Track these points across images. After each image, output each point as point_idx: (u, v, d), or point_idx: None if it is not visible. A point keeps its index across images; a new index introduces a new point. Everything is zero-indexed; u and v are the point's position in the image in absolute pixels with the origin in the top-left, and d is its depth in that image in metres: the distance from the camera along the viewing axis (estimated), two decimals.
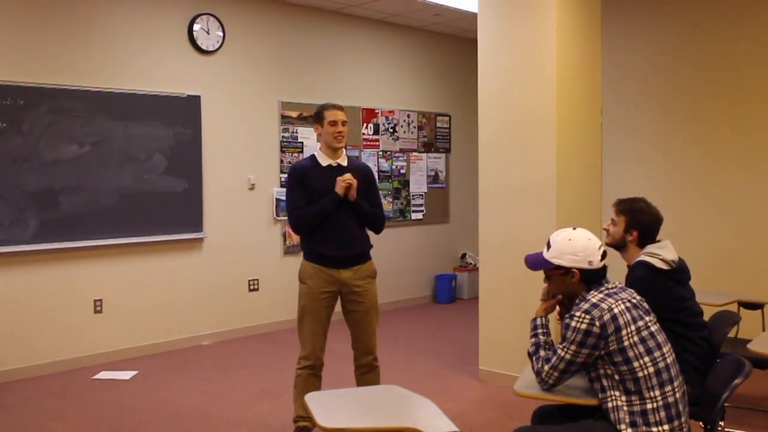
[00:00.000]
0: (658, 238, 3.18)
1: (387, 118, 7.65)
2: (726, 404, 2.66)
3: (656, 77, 6.02)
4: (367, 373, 3.85)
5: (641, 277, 3.01)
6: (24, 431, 4.14)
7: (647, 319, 2.42)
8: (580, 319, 2.37)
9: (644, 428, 2.30)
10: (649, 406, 2.31)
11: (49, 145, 5.26)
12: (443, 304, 8.03)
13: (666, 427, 2.30)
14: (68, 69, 5.40)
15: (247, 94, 6.50)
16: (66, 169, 5.34)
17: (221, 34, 6.25)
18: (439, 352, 5.84)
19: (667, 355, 2.38)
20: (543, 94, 4.65)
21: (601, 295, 2.43)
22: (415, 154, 7.97)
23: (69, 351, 5.44)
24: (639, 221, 3.15)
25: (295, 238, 6.49)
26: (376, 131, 7.55)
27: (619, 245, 3.20)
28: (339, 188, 3.64)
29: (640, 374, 2.32)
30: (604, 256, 2.50)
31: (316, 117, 3.79)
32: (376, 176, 7.40)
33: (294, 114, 6.83)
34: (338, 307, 3.82)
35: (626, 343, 2.33)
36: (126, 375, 5.25)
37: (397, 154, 7.78)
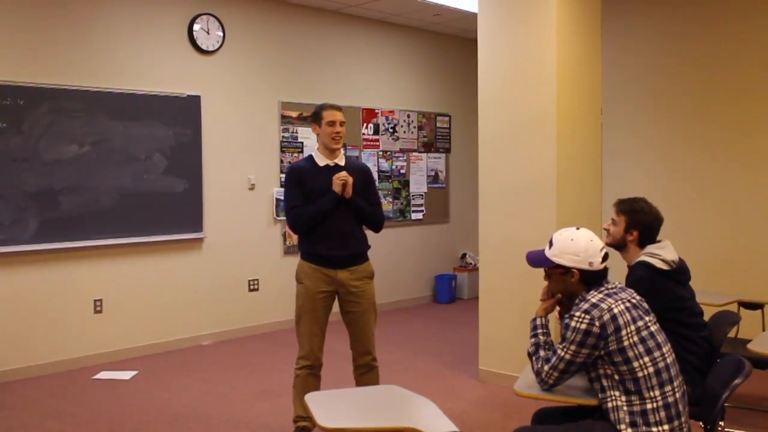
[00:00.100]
0: (658, 239, 3.18)
1: (387, 118, 7.65)
2: (726, 404, 2.66)
3: (656, 77, 6.02)
4: (365, 373, 3.85)
5: (641, 278, 3.01)
6: (24, 431, 4.14)
7: (647, 319, 2.42)
8: (580, 319, 2.37)
9: (644, 428, 2.30)
10: (649, 406, 2.31)
11: (49, 145, 5.26)
12: (443, 304, 8.03)
13: (666, 427, 2.30)
14: (68, 69, 5.40)
15: (247, 94, 6.50)
16: (66, 169, 5.34)
17: (221, 34, 6.25)
18: (439, 352, 5.84)
19: (666, 355, 2.38)
20: (543, 94, 4.65)
21: (600, 295, 2.42)
22: (415, 154, 7.97)
23: (69, 351, 5.45)
24: (639, 221, 3.15)
25: (295, 238, 6.48)
26: (376, 131, 7.55)
27: (620, 245, 3.20)
28: (336, 186, 3.64)
29: (640, 374, 2.32)
30: (605, 258, 2.50)
31: (313, 117, 3.78)
32: (376, 176, 7.46)
33: (294, 114, 6.83)
34: (337, 307, 3.82)
35: (626, 343, 2.33)
36: (126, 375, 5.25)
37: (397, 154, 7.78)
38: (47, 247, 5.27)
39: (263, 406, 4.52)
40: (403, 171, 7.85)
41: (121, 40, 5.69)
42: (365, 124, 7.44)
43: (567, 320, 2.41)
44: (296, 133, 6.86)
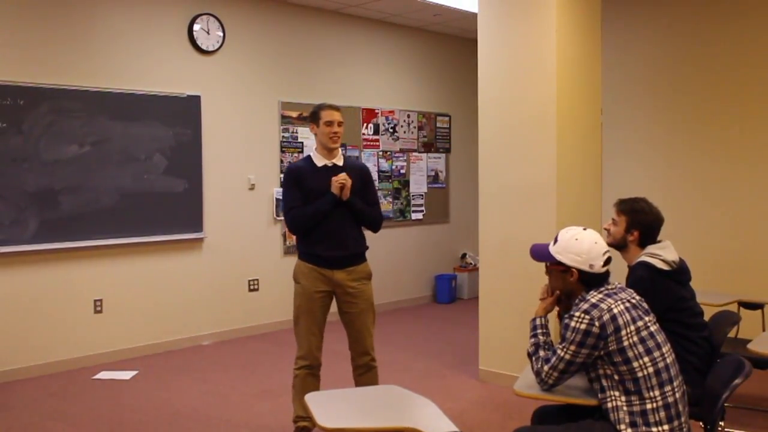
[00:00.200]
0: (658, 239, 3.18)
1: (387, 118, 7.65)
2: (726, 404, 2.66)
3: (656, 77, 6.02)
4: (364, 373, 3.84)
5: (642, 278, 3.01)
6: (24, 431, 4.14)
7: (647, 319, 2.42)
8: (580, 319, 2.37)
9: (644, 428, 2.30)
10: (648, 406, 2.31)
11: (49, 145, 5.26)
12: (443, 304, 8.03)
13: (666, 427, 2.30)
14: (68, 69, 5.40)
15: (247, 94, 6.50)
16: (66, 169, 5.34)
17: (221, 34, 6.25)
18: (439, 352, 5.84)
19: (666, 355, 2.38)
20: (543, 94, 4.65)
21: (600, 296, 2.42)
22: (415, 154, 7.97)
23: (69, 351, 5.45)
24: (640, 221, 3.15)
25: (295, 238, 6.50)
26: (376, 131, 7.55)
27: (620, 245, 3.20)
28: (334, 188, 3.64)
29: (640, 374, 2.32)
30: (607, 262, 2.49)
31: (312, 117, 3.78)
32: (376, 176, 7.47)
33: (294, 114, 6.83)
34: (335, 307, 3.82)
35: (626, 343, 2.33)
36: (126, 375, 5.25)
37: (397, 154, 7.78)
38: (47, 247, 5.27)
39: (263, 406, 4.52)
40: (403, 171, 7.85)
41: (121, 40, 5.69)
42: (365, 124, 7.44)
43: (567, 320, 2.41)
44: (296, 133, 6.86)
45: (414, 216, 7.98)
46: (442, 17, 7.40)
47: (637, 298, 2.51)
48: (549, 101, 4.62)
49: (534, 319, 2.67)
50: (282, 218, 6.62)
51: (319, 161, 3.77)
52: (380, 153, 7.60)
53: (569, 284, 2.52)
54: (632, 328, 2.35)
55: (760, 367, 3.56)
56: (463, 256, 8.46)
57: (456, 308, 7.81)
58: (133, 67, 5.75)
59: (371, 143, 7.50)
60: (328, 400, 2.66)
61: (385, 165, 7.65)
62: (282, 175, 6.65)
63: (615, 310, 2.36)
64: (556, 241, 2.56)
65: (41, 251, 5.27)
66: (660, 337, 2.41)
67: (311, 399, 2.62)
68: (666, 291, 3.03)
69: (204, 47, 6.15)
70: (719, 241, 5.64)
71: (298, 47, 6.85)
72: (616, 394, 2.36)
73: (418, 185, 8.02)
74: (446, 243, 8.35)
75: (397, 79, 7.79)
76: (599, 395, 2.42)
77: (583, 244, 2.48)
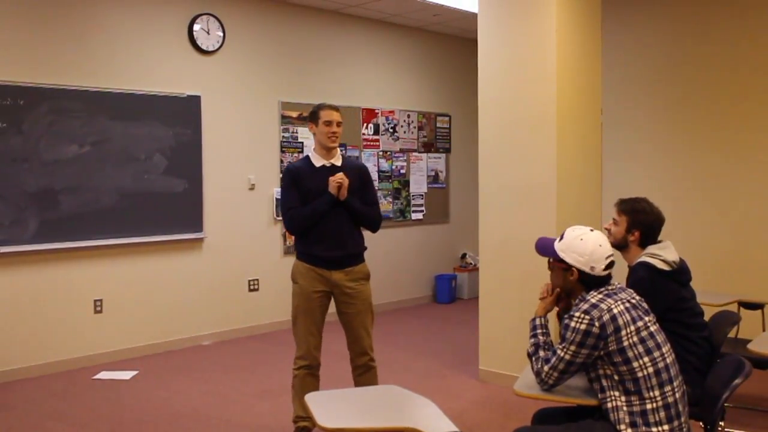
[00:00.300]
0: (659, 239, 3.18)
1: (387, 118, 7.65)
2: (726, 404, 2.66)
3: (656, 77, 6.02)
4: (364, 373, 3.84)
5: (642, 278, 3.01)
6: (24, 431, 4.14)
7: (647, 319, 2.42)
8: (580, 320, 2.37)
9: (644, 428, 2.30)
10: (648, 406, 2.31)
11: (49, 145, 5.26)
12: (443, 304, 8.03)
13: (666, 427, 2.30)
14: (68, 69, 5.40)
15: (247, 94, 6.50)
16: (66, 169, 5.34)
17: (221, 34, 6.25)
18: (439, 352, 5.84)
19: (666, 355, 2.38)
20: (543, 94, 4.65)
21: (600, 296, 2.42)
22: (415, 154, 7.97)
23: (69, 351, 5.45)
24: (641, 221, 3.14)
25: (293, 238, 6.51)
26: (376, 131, 7.55)
27: (621, 245, 3.20)
28: (332, 188, 3.64)
29: (640, 374, 2.32)
30: (609, 266, 2.47)
31: (311, 116, 3.78)
32: (376, 176, 7.47)
33: (294, 114, 6.83)
34: (333, 308, 3.82)
35: (626, 344, 2.33)
36: (126, 375, 5.25)
37: (397, 154, 7.78)
38: (47, 247, 5.27)
39: (263, 406, 4.52)
40: (403, 171, 7.85)
41: (121, 40, 5.69)
42: (365, 124, 7.44)
43: (566, 320, 2.41)
44: (296, 133, 6.86)
45: (414, 216, 7.98)
46: (442, 17, 7.39)
47: (637, 298, 2.51)
48: (549, 101, 4.62)
49: (534, 319, 2.67)
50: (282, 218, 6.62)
51: (318, 161, 3.77)
52: (380, 153, 7.60)
53: (569, 283, 2.52)
54: (632, 328, 2.35)
55: (760, 367, 3.56)
56: (463, 256, 8.46)
57: (456, 308, 7.81)
58: (133, 67, 5.75)
59: (371, 143, 7.50)
60: (328, 400, 2.66)
61: (385, 165, 7.65)
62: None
63: (615, 311, 2.36)
64: (562, 238, 2.56)
65: (41, 251, 5.27)
66: (660, 337, 2.41)
67: (311, 399, 2.62)
68: (666, 291, 3.03)
69: (204, 47, 6.15)
70: (719, 241, 5.64)
71: (298, 47, 6.85)
72: (616, 394, 2.36)
73: (418, 185, 8.02)
74: (446, 243, 8.35)
75: (397, 79, 7.79)
76: (599, 395, 2.42)
77: (587, 246, 2.47)
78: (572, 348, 2.37)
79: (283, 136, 6.76)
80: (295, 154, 6.80)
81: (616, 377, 2.35)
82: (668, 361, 2.38)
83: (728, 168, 5.63)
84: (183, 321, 6.10)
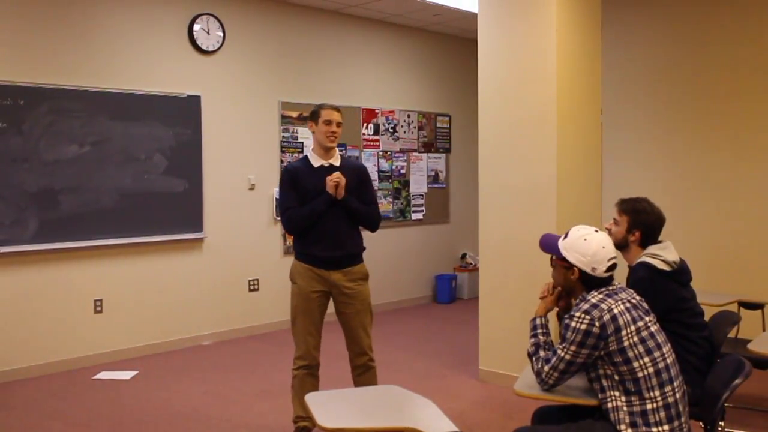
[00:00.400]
0: (659, 239, 3.18)
1: (387, 118, 7.65)
2: (726, 404, 2.66)
3: (656, 77, 6.02)
4: (363, 373, 3.84)
5: (643, 278, 3.00)
6: (24, 431, 4.14)
7: (647, 319, 2.42)
8: (580, 320, 2.37)
9: (644, 428, 2.30)
10: (649, 406, 2.31)
11: (49, 145, 5.26)
12: (443, 304, 8.03)
13: (666, 427, 2.30)
14: (68, 69, 5.40)
15: (247, 94, 6.50)
16: (66, 169, 5.34)
17: (221, 34, 6.25)
18: (439, 352, 5.84)
19: (667, 356, 2.38)
20: (543, 94, 4.65)
21: (601, 296, 2.42)
22: (415, 154, 7.97)
23: (69, 351, 5.44)
24: (642, 221, 3.14)
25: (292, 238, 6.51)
26: (377, 131, 7.55)
27: (621, 245, 3.19)
28: (329, 187, 3.64)
29: (640, 374, 2.32)
30: (611, 268, 2.47)
31: (312, 115, 3.78)
32: (376, 176, 7.47)
33: (294, 114, 6.83)
34: (332, 308, 3.82)
35: (626, 344, 2.33)
36: (126, 375, 5.25)
37: (397, 154, 7.78)
38: (47, 247, 5.27)
39: (263, 406, 4.52)
40: (403, 171, 7.85)
41: (121, 40, 5.69)
42: (365, 124, 7.44)
43: (567, 320, 2.41)
44: (296, 133, 6.86)
45: (414, 216, 7.98)
46: (442, 17, 7.39)
47: (638, 298, 2.51)
48: (549, 101, 4.62)
49: (534, 319, 2.67)
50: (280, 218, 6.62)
51: (316, 161, 3.77)
52: (380, 153, 7.60)
53: (570, 282, 2.53)
54: (632, 328, 2.35)
55: (760, 367, 3.56)
56: (463, 256, 8.46)
57: (456, 308, 7.81)
58: (133, 67, 5.75)
59: (371, 143, 7.50)
60: (328, 400, 2.66)
61: (385, 165, 7.65)
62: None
63: (615, 311, 2.36)
64: (566, 236, 2.56)
65: (41, 251, 5.26)
66: (660, 338, 2.41)
67: (311, 399, 2.62)
68: (667, 291, 3.02)
69: (204, 47, 6.15)
70: (719, 241, 5.64)
71: (298, 47, 6.85)
72: (617, 394, 2.36)
73: (418, 185, 8.02)
74: (446, 243, 8.35)
75: (397, 79, 7.78)
76: (599, 395, 2.42)
77: (590, 246, 2.47)
78: (572, 348, 2.37)
79: (283, 136, 6.76)
80: (295, 154, 6.80)
81: (616, 377, 2.35)
82: (668, 361, 2.37)
83: (728, 168, 5.63)
84: (183, 321, 6.10)
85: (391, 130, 7.70)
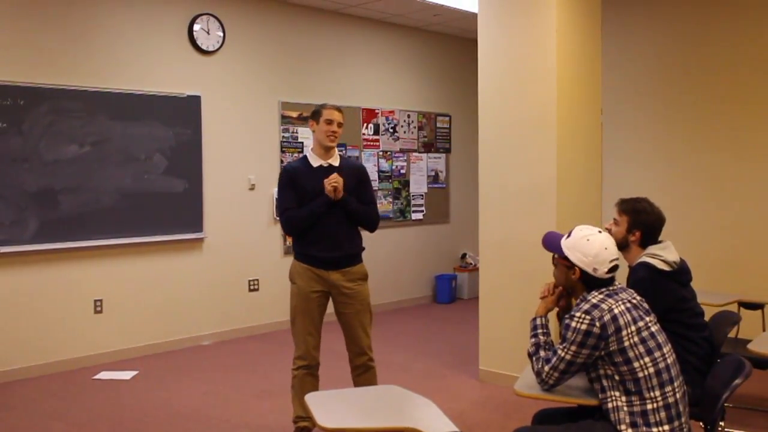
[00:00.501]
0: (659, 239, 3.18)
1: (387, 118, 7.65)
2: (726, 404, 2.66)
3: (656, 77, 6.02)
4: (363, 373, 3.84)
5: (643, 279, 3.00)
6: (24, 431, 4.14)
7: (647, 319, 2.42)
8: (580, 320, 2.37)
9: (644, 428, 2.30)
10: (649, 406, 2.31)
11: (49, 145, 5.26)
12: (443, 304, 8.03)
13: (666, 427, 2.30)
14: (68, 69, 5.40)
15: (247, 94, 6.50)
16: (66, 169, 5.34)
17: (221, 34, 6.25)
18: (439, 352, 5.84)
19: (667, 356, 2.38)
20: (543, 94, 4.65)
21: (601, 296, 2.42)
22: (415, 154, 7.97)
23: (69, 351, 5.44)
24: (642, 221, 3.14)
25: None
26: (377, 131, 7.55)
27: (622, 245, 3.18)
28: (327, 191, 3.63)
29: (641, 374, 2.32)
30: (612, 270, 2.47)
31: (313, 114, 3.78)
32: (376, 176, 7.46)
33: (294, 114, 6.82)
34: (332, 308, 3.82)
35: (626, 344, 2.33)
36: (126, 375, 5.25)
37: (397, 155, 7.78)
38: (47, 247, 5.27)
39: (263, 406, 4.52)
40: (403, 171, 7.85)
41: (122, 40, 5.69)
42: (365, 124, 7.44)
43: (567, 321, 2.41)
44: (296, 133, 6.86)
45: (414, 216, 7.98)
46: (442, 17, 7.39)
47: (638, 298, 2.51)
48: (549, 101, 4.62)
49: (534, 319, 2.67)
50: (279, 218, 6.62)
51: (315, 161, 3.76)
52: (380, 153, 7.60)
53: (571, 281, 2.53)
54: (633, 328, 2.35)
55: (760, 367, 3.56)
56: (463, 256, 8.46)
57: (456, 308, 7.81)
58: (133, 67, 5.75)
59: (371, 143, 7.50)
60: (328, 400, 2.66)
61: (385, 165, 7.65)
62: None
63: (616, 311, 2.36)
64: (569, 235, 2.56)
65: (41, 251, 5.26)
66: (661, 338, 2.41)
67: (311, 399, 2.62)
68: (667, 291, 3.02)
69: (204, 47, 6.15)
70: (720, 241, 5.64)
71: (298, 47, 6.85)
72: (617, 394, 2.36)
73: (418, 185, 8.02)
74: (446, 243, 8.35)
75: (397, 79, 7.78)
76: (600, 395, 2.42)
77: (592, 247, 2.47)
78: (573, 348, 2.37)
79: (283, 136, 6.76)
80: (295, 154, 6.80)
81: (616, 377, 2.35)
82: (669, 361, 2.37)
83: (728, 168, 5.63)
84: (183, 321, 6.10)
85: (391, 130, 7.70)
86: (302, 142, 6.88)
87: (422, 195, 8.07)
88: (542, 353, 2.54)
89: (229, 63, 6.35)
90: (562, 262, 2.55)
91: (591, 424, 2.43)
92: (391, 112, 7.70)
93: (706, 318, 3.26)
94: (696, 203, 5.77)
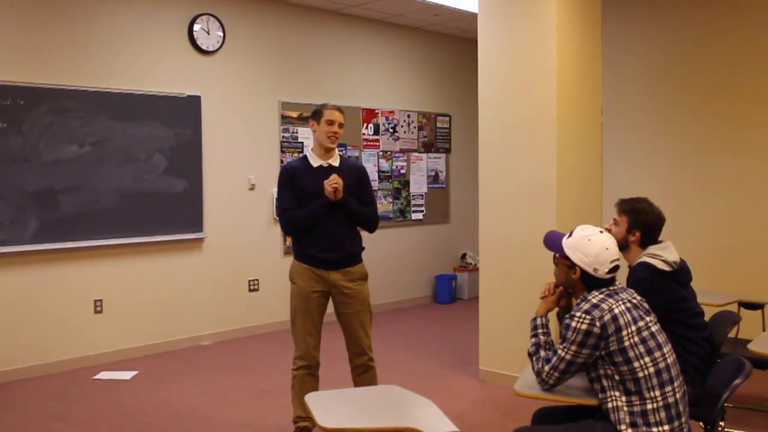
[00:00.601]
0: (659, 239, 3.18)
1: (387, 118, 7.65)
2: (726, 404, 2.66)
3: (656, 77, 6.02)
4: (363, 373, 3.84)
5: (643, 279, 3.00)
6: (24, 431, 4.14)
7: (648, 319, 2.42)
8: (581, 320, 2.37)
9: (644, 428, 2.30)
10: (649, 406, 2.31)
11: (49, 145, 5.26)
12: (443, 304, 8.03)
13: (666, 427, 2.30)
14: (68, 69, 5.40)
15: (247, 94, 6.50)
16: (66, 169, 5.34)
17: (221, 34, 6.25)
18: (439, 352, 5.84)
19: (667, 356, 2.38)
20: (543, 94, 4.65)
21: (601, 296, 2.42)
22: (415, 154, 7.97)
23: (69, 351, 5.44)
24: (642, 221, 3.14)
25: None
26: (377, 131, 7.55)
27: (621, 245, 3.18)
28: (327, 193, 3.62)
29: (641, 374, 2.32)
30: (613, 270, 2.47)
31: (314, 114, 3.77)
32: (376, 176, 7.46)
33: (294, 114, 6.82)
34: (332, 308, 3.82)
35: (627, 344, 2.33)
36: (126, 375, 5.25)
37: (397, 155, 7.77)
38: (47, 247, 5.27)
39: (263, 406, 4.52)
40: (403, 171, 7.85)
41: (122, 40, 5.69)
42: (365, 124, 7.44)
43: (567, 320, 2.41)
44: (296, 133, 6.86)
45: (414, 216, 7.98)
46: (442, 17, 7.39)
47: (638, 298, 2.51)
48: (549, 101, 4.62)
49: (534, 319, 2.67)
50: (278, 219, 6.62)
51: (315, 161, 3.76)
52: (380, 153, 7.60)
53: (571, 280, 2.53)
54: (633, 328, 2.35)
55: (760, 367, 3.56)
56: (463, 256, 8.46)
57: (456, 308, 7.81)
58: (133, 67, 5.75)
59: (371, 143, 7.50)
60: (328, 400, 2.66)
61: (385, 165, 7.65)
62: None
63: (616, 311, 2.36)
64: (570, 234, 2.56)
65: (41, 251, 5.26)
66: (661, 338, 2.41)
67: (311, 399, 2.62)
68: (667, 292, 3.02)
69: (204, 47, 6.15)
70: (720, 241, 5.64)
71: (298, 47, 6.85)
72: (617, 394, 2.36)
73: (418, 185, 8.02)
74: (446, 243, 8.35)
75: (397, 79, 7.78)
76: (600, 395, 2.42)
77: (593, 247, 2.47)
78: (573, 348, 2.37)
79: (283, 136, 6.76)
80: (295, 154, 6.80)
81: (616, 377, 2.35)
82: (669, 361, 2.37)
83: (728, 168, 5.63)
84: (183, 321, 6.10)
85: (391, 130, 7.70)
86: (302, 142, 6.88)
87: (422, 195, 8.07)
88: (542, 353, 2.54)
89: (229, 63, 6.35)
90: (563, 261, 2.55)
91: (591, 424, 2.43)
92: (391, 112, 7.70)
93: (706, 318, 3.26)
94: (696, 203, 5.77)
